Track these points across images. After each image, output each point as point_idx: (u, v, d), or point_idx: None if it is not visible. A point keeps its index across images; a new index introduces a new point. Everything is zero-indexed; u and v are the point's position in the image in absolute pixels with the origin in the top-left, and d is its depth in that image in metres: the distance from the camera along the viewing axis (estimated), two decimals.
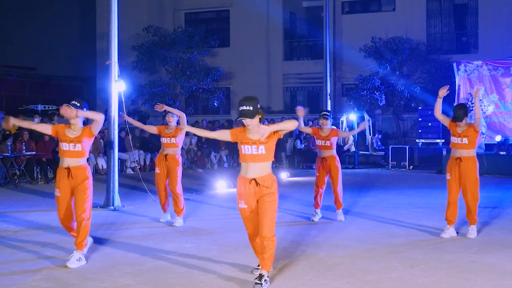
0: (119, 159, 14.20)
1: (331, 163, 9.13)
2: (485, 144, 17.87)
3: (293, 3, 27.27)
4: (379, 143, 21.02)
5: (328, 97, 22.07)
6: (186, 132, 9.81)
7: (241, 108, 5.62)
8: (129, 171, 17.65)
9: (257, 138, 5.69)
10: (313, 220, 9.26)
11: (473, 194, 7.87)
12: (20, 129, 16.51)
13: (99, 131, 8.46)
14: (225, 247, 7.34)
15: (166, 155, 8.99)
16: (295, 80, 26.58)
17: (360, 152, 20.74)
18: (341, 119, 21.44)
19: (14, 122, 6.68)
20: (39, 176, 15.22)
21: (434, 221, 9.06)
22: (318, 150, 9.30)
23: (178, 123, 9.12)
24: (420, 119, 19.86)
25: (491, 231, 8.35)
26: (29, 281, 5.86)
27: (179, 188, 8.95)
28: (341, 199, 9.24)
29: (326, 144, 9.12)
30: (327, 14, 22.77)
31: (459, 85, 19.03)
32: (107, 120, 10.62)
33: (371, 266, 6.39)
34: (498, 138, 17.88)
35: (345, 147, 20.24)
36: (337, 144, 9.50)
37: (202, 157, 19.38)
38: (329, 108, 21.62)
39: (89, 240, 6.96)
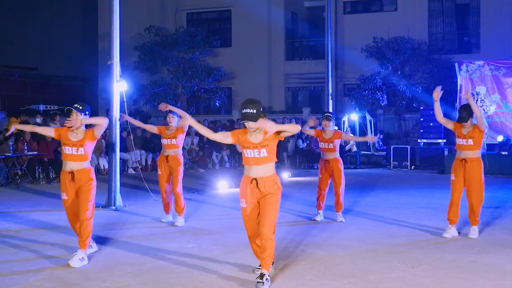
0: (120, 159, 14.21)
1: (334, 166, 9.11)
2: (487, 144, 17.85)
3: (295, 3, 27.27)
4: (380, 143, 21.00)
5: (330, 97, 22.08)
6: (188, 131, 9.84)
7: (244, 111, 5.63)
8: (131, 171, 17.67)
9: (259, 141, 5.71)
10: (314, 220, 9.27)
11: (478, 195, 7.86)
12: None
13: None
14: (226, 247, 7.35)
15: (167, 156, 8.99)
16: (297, 80, 26.58)
17: (362, 152, 20.74)
18: (342, 119, 21.43)
19: (16, 126, 6.69)
20: (41, 176, 15.25)
21: (435, 221, 9.06)
22: (321, 152, 9.28)
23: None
24: (422, 119, 19.85)
25: (493, 231, 8.34)
26: (31, 281, 5.87)
27: (179, 188, 8.96)
28: (342, 202, 9.23)
29: (329, 147, 9.09)
30: (329, 14, 22.78)
31: (460, 85, 19.03)
32: (109, 120, 10.61)
33: (372, 266, 6.40)
34: (500, 138, 17.87)
35: (347, 147, 20.23)
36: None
37: (203, 157, 19.40)
38: (330, 109, 21.69)
39: (93, 246, 6.98)
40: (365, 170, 19.02)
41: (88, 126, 6.85)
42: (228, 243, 7.61)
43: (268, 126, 5.50)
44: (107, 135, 12.13)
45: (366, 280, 5.88)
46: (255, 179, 5.73)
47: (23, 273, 6.17)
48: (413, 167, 19.20)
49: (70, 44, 30.26)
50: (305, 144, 20.00)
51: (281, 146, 20.08)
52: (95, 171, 15.67)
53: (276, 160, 5.91)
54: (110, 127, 10.98)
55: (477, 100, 18.43)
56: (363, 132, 21.25)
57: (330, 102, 22.02)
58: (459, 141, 7.93)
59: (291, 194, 12.23)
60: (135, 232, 8.43)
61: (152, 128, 9.31)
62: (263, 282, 5.60)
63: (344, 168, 9.26)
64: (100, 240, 7.56)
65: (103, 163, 16.66)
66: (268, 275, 5.72)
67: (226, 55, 25.60)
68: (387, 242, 7.66)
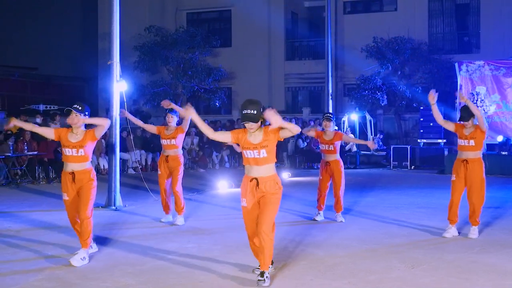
0: (120, 159, 14.21)
1: (334, 167, 9.10)
2: (487, 144, 17.86)
3: (295, 3, 27.26)
4: (380, 143, 20.99)
5: (330, 97, 22.08)
6: (187, 131, 9.86)
7: (244, 112, 5.64)
8: (131, 171, 17.67)
9: (258, 141, 5.73)
10: (314, 219, 9.27)
11: (479, 196, 7.87)
12: (21, 129, 16.54)
13: None
14: (226, 247, 7.35)
15: (167, 156, 8.99)
16: (297, 80, 26.57)
17: (362, 152, 20.74)
18: (342, 119, 21.43)
19: (16, 123, 6.68)
20: (41, 176, 15.25)
21: (435, 221, 9.06)
22: (322, 154, 9.28)
23: (178, 123, 9.12)
24: (421, 119, 19.85)
25: (493, 231, 8.35)
26: (31, 281, 5.87)
27: (178, 187, 8.97)
28: (342, 203, 9.23)
29: (330, 148, 9.08)
30: (329, 14, 22.77)
31: (460, 85, 19.02)
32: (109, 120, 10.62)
33: (372, 266, 6.40)
34: (500, 138, 17.87)
35: (347, 147, 20.23)
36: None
37: (203, 157, 19.40)
38: (330, 109, 21.68)
39: (93, 246, 6.98)
40: (365, 170, 19.02)
41: (87, 127, 6.85)
42: (228, 243, 7.61)
43: (273, 119, 5.46)
44: (107, 135, 12.13)
45: (366, 280, 5.88)
46: (256, 178, 5.76)
47: (23, 273, 6.18)
48: (413, 167, 19.20)
49: (70, 44, 30.27)
50: (305, 144, 20.00)
51: (281, 146, 20.08)
52: (95, 171, 15.73)
53: (276, 160, 5.92)
54: (110, 127, 10.95)
55: (477, 100, 18.42)
56: (363, 132, 21.25)
57: (330, 102, 22.01)
58: (460, 142, 7.92)
59: (291, 194, 12.22)
60: (135, 232, 8.43)
61: (152, 128, 9.29)
62: (264, 280, 5.66)
63: (344, 169, 9.26)
64: (100, 240, 7.56)
65: (103, 163, 16.66)
66: (268, 273, 5.76)
67: (226, 55, 25.60)
68: (387, 242, 7.66)
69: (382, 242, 7.69)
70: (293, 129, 5.64)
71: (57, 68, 29.39)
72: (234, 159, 20.14)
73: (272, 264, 5.98)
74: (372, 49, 21.75)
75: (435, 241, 7.72)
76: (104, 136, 15.49)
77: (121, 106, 10.91)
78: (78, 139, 6.64)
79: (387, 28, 22.28)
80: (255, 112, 5.64)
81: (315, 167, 18.55)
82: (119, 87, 10.91)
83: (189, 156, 19.00)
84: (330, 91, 22.15)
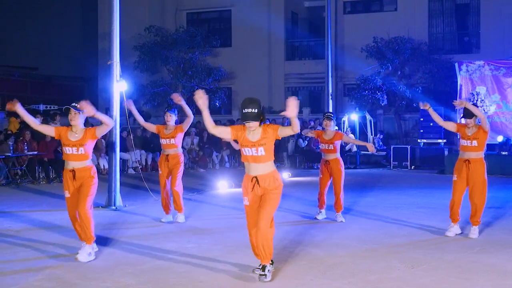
0: (120, 159, 14.21)
1: (334, 166, 9.11)
2: (487, 144, 17.84)
3: (295, 3, 27.26)
4: (380, 143, 20.99)
5: (330, 97, 22.08)
6: (188, 131, 9.88)
7: (245, 111, 5.66)
8: (131, 171, 17.67)
9: (257, 139, 5.77)
10: (316, 219, 9.28)
11: (481, 196, 7.86)
12: (21, 129, 16.56)
13: None
14: (226, 247, 7.35)
15: (167, 155, 9.00)
16: (297, 80, 26.58)
17: (362, 152, 20.72)
18: (342, 119, 21.43)
19: (18, 109, 6.59)
20: (41, 176, 15.25)
21: (435, 221, 9.06)
22: (322, 153, 9.29)
23: (176, 122, 9.14)
24: (421, 119, 19.84)
25: (493, 231, 8.34)
26: (31, 281, 5.87)
27: (178, 186, 8.97)
28: (342, 202, 9.24)
29: (330, 148, 9.10)
30: (329, 14, 22.77)
31: (461, 85, 19.04)
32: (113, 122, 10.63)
33: (372, 266, 6.40)
34: (500, 138, 17.87)
35: (347, 147, 20.22)
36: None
37: (203, 157, 19.40)
38: (330, 108, 21.67)
39: (93, 246, 6.98)
40: (365, 170, 19.02)
41: (86, 125, 6.87)
42: (228, 243, 7.61)
43: (292, 109, 5.43)
44: (107, 135, 12.13)
45: (366, 280, 5.88)
46: (256, 177, 5.81)
47: (23, 273, 6.17)
48: (413, 167, 19.20)
49: (70, 44, 30.27)
50: (306, 142, 19.98)
51: (281, 146, 20.08)
52: (95, 169, 15.73)
53: (274, 158, 5.95)
54: None
55: (477, 100, 18.42)
56: (363, 132, 21.25)
57: (330, 102, 22.01)
58: (463, 142, 7.92)
59: (291, 194, 12.22)
60: (135, 232, 8.43)
61: (151, 127, 9.29)
62: (265, 275, 5.74)
63: (344, 168, 9.27)
64: (100, 240, 7.55)
65: (103, 163, 16.66)
66: (270, 266, 5.82)
67: (226, 55, 25.60)
68: (387, 242, 7.66)
69: (382, 242, 7.69)
70: (295, 128, 5.64)
71: (57, 68, 29.39)
72: (234, 159, 20.13)
73: (272, 263, 5.98)
74: (372, 49, 21.74)
75: (435, 241, 7.72)
76: (104, 136, 15.46)
77: (121, 106, 10.92)
78: (78, 138, 6.68)
79: (387, 28, 22.28)
80: (255, 110, 5.66)
81: (315, 167, 18.54)
82: (119, 87, 10.91)
83: (189, 156, 19.00)
84: (330, 91, 22.15)
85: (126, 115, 11.01)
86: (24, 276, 6.04)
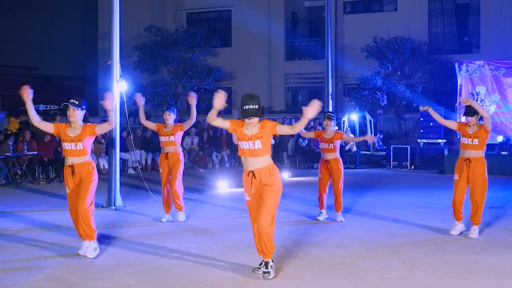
0: (120, 159, 14.21)
1: (334, 165, 9.11)
2: (487, 144, 17.83)
3: (295, 3, 27.26)
4: (380, 143, 20.99)
5: (330, 97, 22.07)
6: (188, 131, 9.91)
7: (246, 107, 5.71)
8: (131, 171, 17.67)
9: (254, 133, 5.82)
10: (317, 219, 9.28)
11: (481, 194, 7.87)
12: (21, 129, 16.57)
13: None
14: (226, 247, 7.35)
15: (167, 153, 9.03)
16: (297, 80, 26.57)
17: (362, 152, 20.73)
18: (342, 119, 21.42)
19: (28, 96, 6.57)
20: (41, 176, 15.25)
21: (435, 221, 9.07)
22: (321, 152, 9.29)
23: (175, 121, 9.18)
24: (421, 119, 19.84)
25: (493, 231, 8.34)
26: (31, 281, 5.87)
27: (178, 185, 8.98)
28: (341, 202, 9.24)
29: (330, 147, 9.10)
30: (329, 14, 22.76)
31: (461, 85, 19.03)
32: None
33: (372, 266, 6.40)
34: (500, 138, 17.87)
35: (347, 147, 20.22)
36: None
37: (203, 157, 19.40)
38: (330, 108, 21.65)
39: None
40: (365, 170, 19.02)
41: (86, 121, 6.90)
42: (228, 243, 7.60)
43: (311, 110, 5.54)
44: (107, 134, 12.15)
45: (366, 280, 5.88)
46: (252, 171, 5.87)
47: (23, 273, 6.17)
48: (413, 167, 19.20)
49: (70, 44, 30.26)
50: (306, 142, 19.97)
51: (281, 146, 20.09)
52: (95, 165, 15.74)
53: (270, 152, 6.00)
54: None
55: (476, 100, 18.42)
56: (363, 132, 21.22)
57: (330, 102, 22.00)
58: (464, 140, 7.92)
59: (291, 194, 12.22)
60: (135, 232, 8.43)
61: (151, 125, 9.35)
62: (269, 272, 5.81)
63: (344, 168, 9.28)
64: (100, 240, 7.54)
65: (103, 163, 16.66)
66: (272, 262, 5.88)
67: (226, 55, 25.60)
68: (387, 242, 7.66)
69: (382, 242, 7.69)
70: (297, 127, 5.76)
71: (57, 68, 29.39)
72: (234, 159, 20.12)
73: (272, 262, 5.99)
74: (372, 49, 21.74)
75: (435, 241, 7.72)
76: (104, 136, 15.53)
77: (121, 106, 10.93)
78: (76, 133, 6.75)
79: (387, 28, 22.28)
80: (256, 107, 5.74)
81: (315, 167, 18.53)
82: (119, 87, 10.92)
83: (189, 156, 19.00)
84: (330, 91, 22.14)
85: (126, 115, 11.04)
86: (24, 276, 6.04)
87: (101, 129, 6.83)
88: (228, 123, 5.96)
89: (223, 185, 13.61)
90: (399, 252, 7.10)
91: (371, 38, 21.81)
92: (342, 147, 19.44)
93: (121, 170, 14.19)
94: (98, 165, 16.72)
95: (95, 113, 23.91)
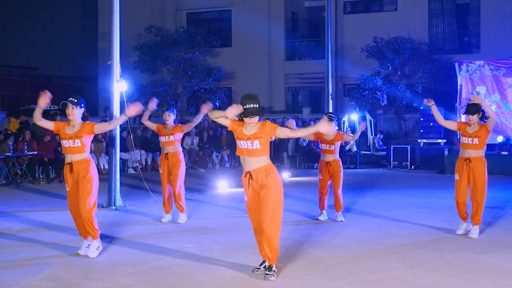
0: (120, 159, 14.21)
1: (334, 167, 9.12)
2: (487, 144, 17.83)
3: (295, 3, 27.26)
4: (380, 143, 20.99)
5: (330, 97, 22.07)
6: (188, 131, 9.97)
7: (247, 106, 5.72)
8: (131, 171, 17.67)
9: (252, 133, 5.82)
10: (318, 219, 9.27)
11: (481, 194, 7.88)
12: (21, 129, 16.57)
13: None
14: (226, 247, 7.35)
15: (167, 153, 9.03)
16: (297, 80, 26.57)
17: (362, 152, 20.73)
18: (342, 119, 21.42)
19: (44, 100, 6.75)
20: (41, 176, 15.25)
21: (435, 221, 9.07)
22: (321, 153, 9.28)
23: (175, 122, 9.19)
24: (422, 119, 19.85)
25: (493, 231, 8.35)
26: (31, 281, 5.87)
27: (179, 186, 8.97)
28: (342, 202, 9.24)
29: (331, 149, 9.11)
30: (329, 14, 22.76)
31: (461, 85, 19.01)
32: (109, 119, 10.64)
33: (372, 266, 6.40)
34: (500, 138, 17.85)
35: (347, 147, 20.22)
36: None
37: (204, 157, 19.40)
38: (330, 108, 21.66)
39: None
40: (365, 170, 19.02)
41: (84, 119, 6.91)
42: (228, 243, 7.60)
43: (325, 126, 5.59)
44: (107, 134, 12.17)
45: (366, 280, 5.88)
46: (249, 172, 5.87)
47: (23, 273, 6.17)
48: (413, 167, 19.20)
49: (71, 44, 30.26)
50: (307, 142, 19.96)
51: (281, 146, 20.09)
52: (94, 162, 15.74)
53: (269, 153, 6.00)
54: None
55: None
56: (363, 132, 21.19)
57: (330, 102, 22.00)
58: (464, 139, 7.92)
59: (291, 194, 12.21)
60: (135, 232, 8.43)
61: (151, 125, 9.36)
62: (272, 274, 5.81)
63: (344, 168, 9.29)
64: (101, 240, 7.55)
65: (103, 163, 16.66)
66: (275, 267, 5.88)
67: (226, 55, 25.60)
68: (387, 242, 7.66)
69: (382, 242, 7.69)
70: (298, 135, 5.95)
71: (58, 68, 29.39)
72: (234, 159, 20.11)
73: (275, 267, 5.99)
74: (372, 49, 21.73)
75: (435, 241, 7.72)
76: (104, 136, 15.54)
77: (121, 106, 10.93)
78: (74, 131, 6.79)
79: (387, 28, 22.27)
80: (257, 105, 5.75)
81: (315, 167, 18.52)
82: (119, 87, 10.92)
83: (189, 156, 18.99)
84: (330, 91, 22.14)
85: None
86: (24, 276, 6.04)
87: (100, 128, 6.90)
88: (229, 120, 5.97)
89: (223, 185, 13.61)
90: (399, 252, 7.10)
91: (371, 38, 21.80)
92: (342, 147, 19.45)
93: (121, 170, 14.20)
94: (98, 165, 16.72)
95: (95, 113, 23.93)
